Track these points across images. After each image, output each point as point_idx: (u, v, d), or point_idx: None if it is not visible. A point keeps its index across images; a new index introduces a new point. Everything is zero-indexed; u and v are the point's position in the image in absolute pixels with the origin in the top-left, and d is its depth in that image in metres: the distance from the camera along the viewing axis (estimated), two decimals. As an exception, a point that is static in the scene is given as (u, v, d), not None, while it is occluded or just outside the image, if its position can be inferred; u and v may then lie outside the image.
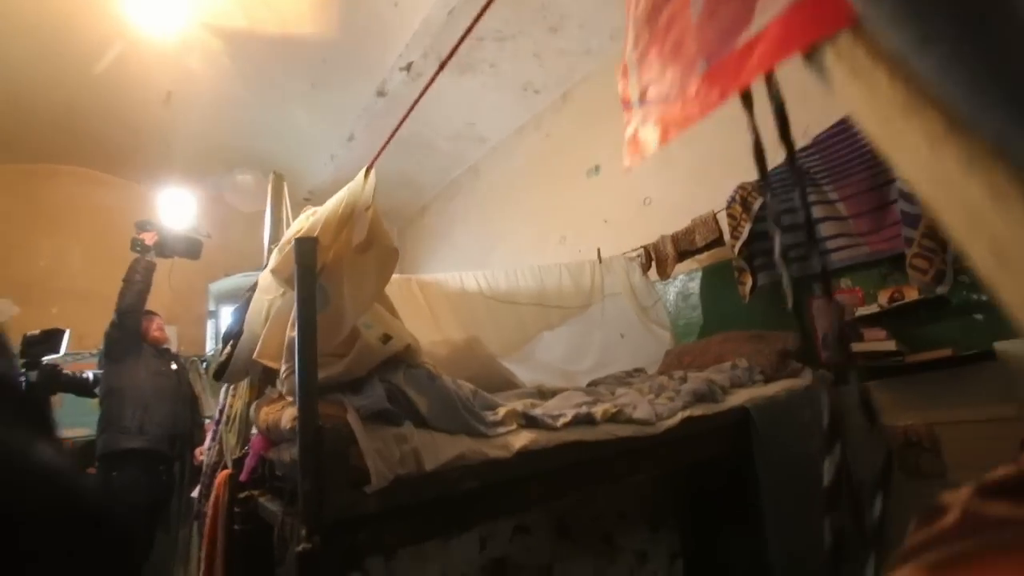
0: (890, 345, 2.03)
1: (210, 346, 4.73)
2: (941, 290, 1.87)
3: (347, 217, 0.93)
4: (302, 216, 1.08)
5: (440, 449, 0.98)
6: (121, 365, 2.71)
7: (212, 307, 4.94)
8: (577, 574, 2.19)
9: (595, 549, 2.26)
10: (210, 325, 4.86)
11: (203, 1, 2.88)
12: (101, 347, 2.82)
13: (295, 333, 0.91)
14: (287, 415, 0.98)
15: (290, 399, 1.12)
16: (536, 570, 2.07)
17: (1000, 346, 1.81)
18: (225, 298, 5.00)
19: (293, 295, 1.01)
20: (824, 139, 2.26)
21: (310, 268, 0.88)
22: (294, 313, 1.00)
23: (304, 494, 0.86)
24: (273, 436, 1.14)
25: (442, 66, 0.97)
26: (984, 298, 1.90)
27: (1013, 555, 0.22)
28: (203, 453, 2.67)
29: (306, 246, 0.89)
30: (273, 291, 1.10)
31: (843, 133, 2.20)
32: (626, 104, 0.51)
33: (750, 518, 1.77)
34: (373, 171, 0.93)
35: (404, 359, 1.07)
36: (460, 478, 1.00)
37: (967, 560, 0.22)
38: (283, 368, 1.01)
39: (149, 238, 2.81)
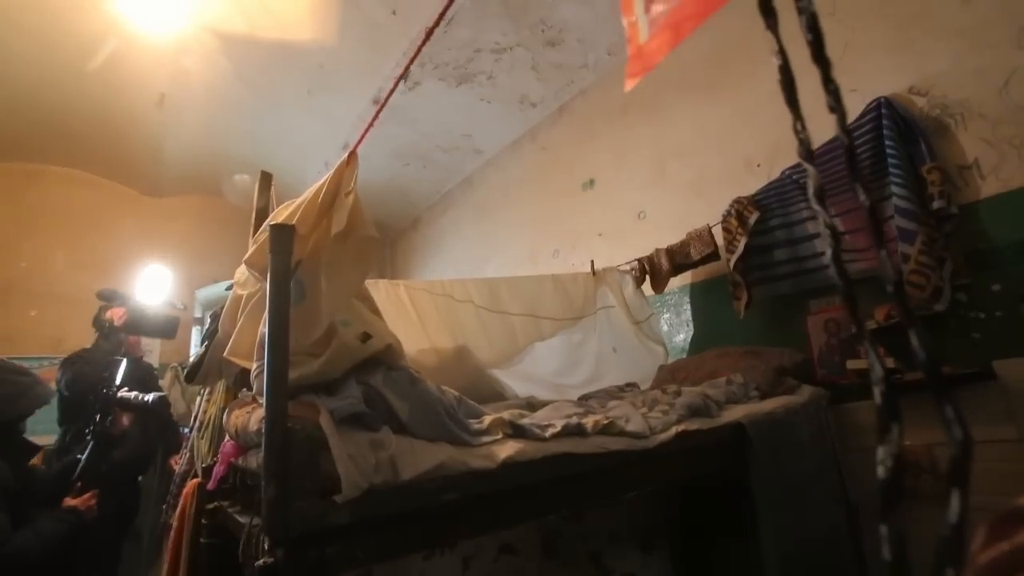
0: (886, 362, 1.98)
1: (195, 353, 4.62)
2: (939, 307, 1.83)
3: (327, 206, 0.87)
4: (281, 207, 1.03)
5: (419, 457, 0.92)
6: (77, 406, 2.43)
7: (198, 314, 4.84)
8: (564, 597, 2.09)
9: (583, 570, 2.17)
10: (195, 332, 4.75)
11: (202, 3, 2.87)
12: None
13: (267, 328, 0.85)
14: (256, 416, 0.91)
15: (261, 400, 1.05)
16: (521, 593, 1.98)
17: (1000, 365, 1.77)
18: (212, 305, 4.90)
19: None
20: (821, 154, 2.24)
21: (285, 256, 0.82)
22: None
23: (268, 502, 0.79)
24: (243, 441, 1.06)
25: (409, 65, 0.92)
26: (982, 316, 1.86)
27: None
28: (177, 462, 2.54)
29: (282, 233, 0.83)
30: (249, 286, 1.04)
31: (836, 150, 2.19)
32: (629, 20, 0.47)
33: (746, 540, 1.69)
34: (357, 155, 0.88)
35: (384, 360, 1.00)
36: (440, 489, 0.93)
37: None
38: (254, 366, 0.95)
39: (117, 317, 2.49)
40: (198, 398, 1.98)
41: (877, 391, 0.27)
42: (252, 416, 0.94)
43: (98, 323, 2.53)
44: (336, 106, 3.71)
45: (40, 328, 4.01)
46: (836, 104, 0.30)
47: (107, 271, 4.28)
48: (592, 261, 2.72)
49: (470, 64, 3.43)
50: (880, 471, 0.26)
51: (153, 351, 4.25)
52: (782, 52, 0.32)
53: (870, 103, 2.01)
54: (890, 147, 1.91)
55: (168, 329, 2.67)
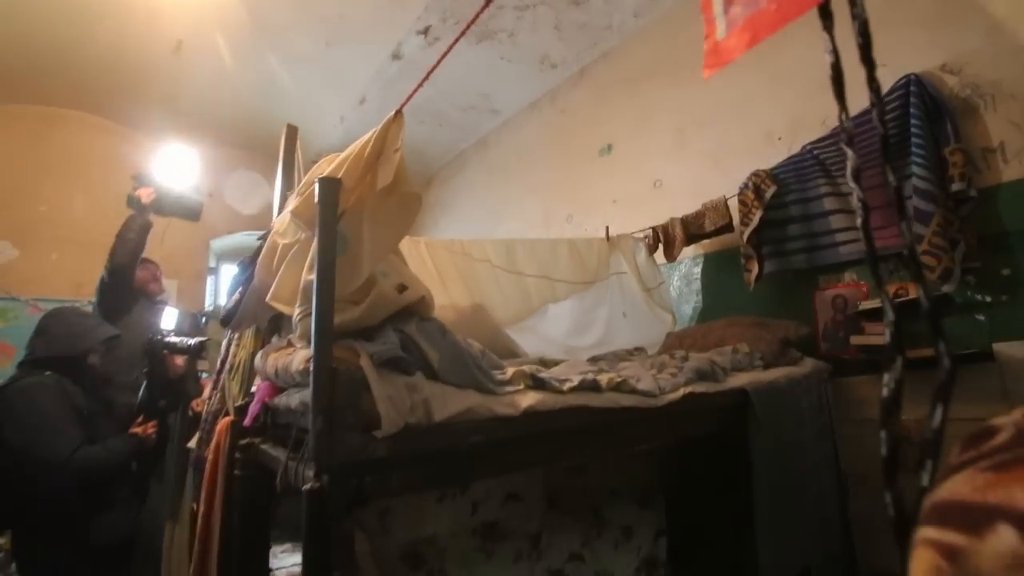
0: (887, 338, 2.04)
1: (209, 301, 4.72)
2: (947, 288, 1.87)
3: (372, 161, 0.91)
4: (322, 162, 1.07)
5: (449, 401, 0.99)
6: (114, 321, 2.63)
7: (212, 264, 4.92)
8: (564, 543, 2.23)
9: (583, 521, 2.30)
10: (210, 281, 4.85)
11: (220, -54, 2.80)
12: (94, 299, 2.77)
13: (312, 276, 0.90)
14: (299, 357, 0.98)
15: (300, 345, 1.12)
16: (525, 536, 2.11)
17: (999, 347, 1.82)
18: (226, 255, 4.98)
19: (311, 238, 1.00)
20: (843, 130, 2.24)
21: (332, 208, 0.87)
22: (311, 256, 0.99)
23: (316, 434, 0.87)
24: (282, 381, 1.14)
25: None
26: (988, 299, 1.90)
27: None
28: (200, 404, 2.68)
29: (330, 186, 0.88)
30: (289, 235, 1.09)
31: (863, 126, 2.17)
32: (707, 16, 0.51)
33: (740, 499, 1.79)
34: (403, 114, 0.91)
35: (417, 311, 1.07)
36: (467, 432, 1.01)
37: (1022, 461, 0.23)
38: (297, 311, 1.01)
39: (146, 195, 2.68)
40: (223, 343, 2.07)
41: (888, 331, 0.33)
42: (294, 358, 1.01)
43: (130, 200, 2.72)
44: (354, 59, 3.66)
45: (61, 272, 4.09)
46: (877, 100, 0.34)
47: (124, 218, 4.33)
48: (607, 227, 2.75)
49: (492, 20, 3.36)
50: (884, 392, 0.32)
51: (169, 297, 4.34)
52: (835, 51, 0.37)
53: (899, 80, 1.99)
54: (915, 126, 1.91)
55: (192, 211, 2.81)
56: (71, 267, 4.10)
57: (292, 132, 1.87)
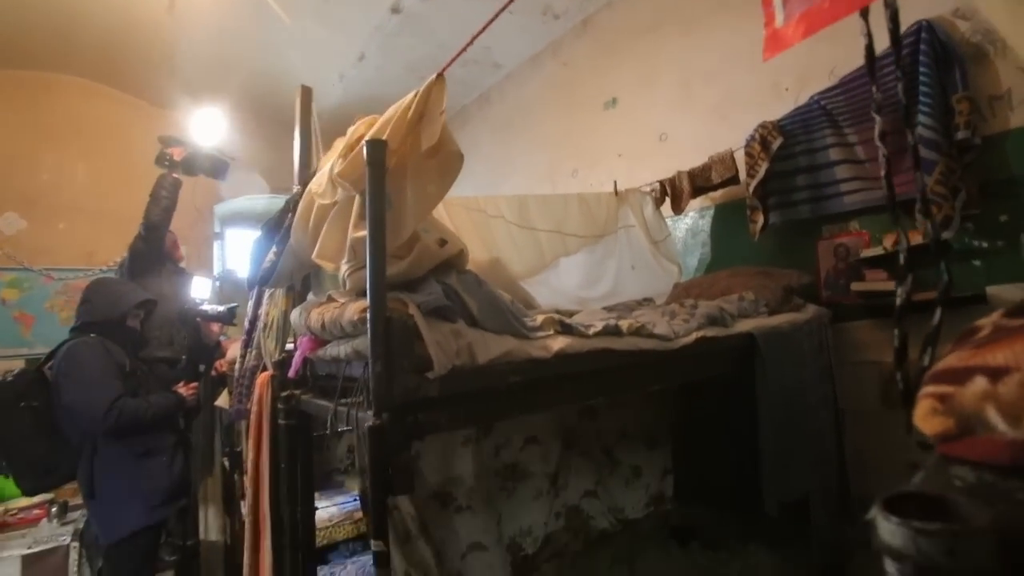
0: (888, 285, 2.13)
1: (217, 267, 4.77)
2: (946, 235, 1.93)
3: (415, 122, 0.96)
4: (359, 124, 1.11)
5: (490, 345, 1.08)
6: (144, 280, 2.75)
7: (217, 228, 4.94)
8: (579, 482, 2.40)
9: (597, 461, 2.47)
10: (216, 247, 4.88)
11: None
12: (124, 258, 2.84)
13: (363, 233, 0.97)
14: (353, 308, 1.06)
15: (346, 298, 1.20)
16: (544, 476, 2.28)
17: (993, 290, 1.91)
18: (231, 220, 4.98)
19: (353, 198, 1.06)
20: (850, 80, 2.24)
21: (381, 168, 0.93)
22: (355, 214, 1.06)
23: (375, 376, 0.96)
24: (328, 333, 1.23)
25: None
26: (984, 244, 1.98)
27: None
28: (223, 366, 2.80)
29: (377, 148, 0.93)
30: (328, 196, 1.15)
31: (862, 78, 2.17)
32: (768, 6, 0.56)
33: (744, 436, 1.93)
34: (444, 77, 0.95)
35: (454, 264, 1.14)
36: (507, 372, 1.11)
37: (994, 341, 0.32)
38: (345, 267, 1.08)
39: (178, 153, 2.79)
40: (250, 304, 2.15)
41: (901, 256, 0.41)
42: (346, 309, 1.09)
43: (160, 159, 2.83)
44: (352, 14, 3.57)
45: (70, 241, 4.11)
46: (902, 75, 0.41)
47: (130, 184, 4.31)
48: (615, 182, 2.79)
49: (493, -31, 3.26)
50: (897, 301, 0.41)
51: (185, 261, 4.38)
52: (869, 35, 0.43)
53: (910, 26, 1.98)
54: (924, 75, 1.92)
55: (218, 170, 2.95)
56: (80, 236, 4.12)
57: (307, 93, 1.88)
